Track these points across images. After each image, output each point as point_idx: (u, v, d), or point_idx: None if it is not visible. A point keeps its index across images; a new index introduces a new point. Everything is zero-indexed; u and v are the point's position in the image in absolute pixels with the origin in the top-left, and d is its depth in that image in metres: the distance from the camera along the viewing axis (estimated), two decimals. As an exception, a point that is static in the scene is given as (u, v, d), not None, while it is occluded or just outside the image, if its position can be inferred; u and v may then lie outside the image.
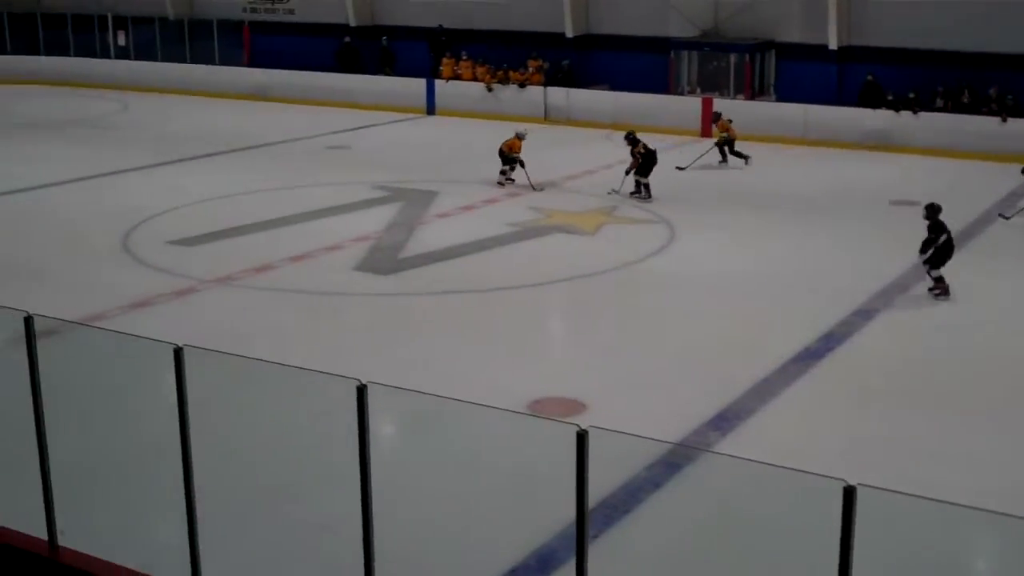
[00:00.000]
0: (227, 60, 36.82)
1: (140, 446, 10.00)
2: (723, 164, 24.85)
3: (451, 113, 31.83)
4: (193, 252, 18.07)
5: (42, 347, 7.45)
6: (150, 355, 8.77)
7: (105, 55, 39.00)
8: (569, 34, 31.95)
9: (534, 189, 22.22)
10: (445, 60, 32.82)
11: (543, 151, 25.90)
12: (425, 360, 13.16)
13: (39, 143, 27.96)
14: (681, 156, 24.66)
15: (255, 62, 36.67)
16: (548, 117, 30.81)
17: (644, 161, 21.61)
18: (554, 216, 20.37)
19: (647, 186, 21.64)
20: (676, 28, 30.56)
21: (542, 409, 11.57)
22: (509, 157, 22.57)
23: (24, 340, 7.35)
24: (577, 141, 28.08)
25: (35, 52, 40.00)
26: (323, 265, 17.45)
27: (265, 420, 10.56)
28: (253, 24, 37.42)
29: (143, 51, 38.33)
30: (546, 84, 31.16)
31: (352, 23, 35.46)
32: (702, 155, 24.64)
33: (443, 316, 15.28)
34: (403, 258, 17.90)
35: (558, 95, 30.84)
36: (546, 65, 31.59)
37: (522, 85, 31.36)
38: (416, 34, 34.53)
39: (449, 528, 9.21)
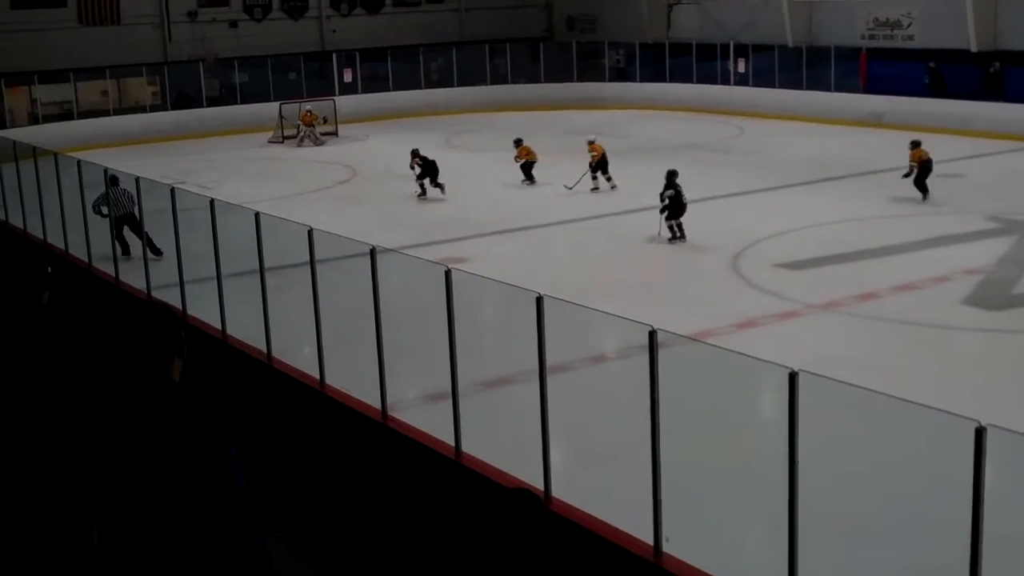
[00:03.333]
0: (842, 87, 36.84)
1: (744, 462, 10.32)
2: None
3: (1079, 142, 29.69)
4: (799, 276, 18.31)
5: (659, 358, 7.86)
6: (757, 374, 9.07)
7: (724, 82, 40.51)
8: None
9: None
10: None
11: None
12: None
13: (654, 164, 29.45)
14: None
15: (870, 88, 36.35)
16: None
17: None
18: None
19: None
20: None
21: None
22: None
23: (646, 351, 7.79)
24: None
25: (661, 79, 42.43)
26: (929, 297, 17.00)
27: (871, 453, 10.47)
28: (870, 50, 37.13)
29: (761, 77, 39.34)
30: None
31: (973, 48, 34.09)
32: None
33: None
34: (1017, 294, 17.02)
35: None
36: None
37: None
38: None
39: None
